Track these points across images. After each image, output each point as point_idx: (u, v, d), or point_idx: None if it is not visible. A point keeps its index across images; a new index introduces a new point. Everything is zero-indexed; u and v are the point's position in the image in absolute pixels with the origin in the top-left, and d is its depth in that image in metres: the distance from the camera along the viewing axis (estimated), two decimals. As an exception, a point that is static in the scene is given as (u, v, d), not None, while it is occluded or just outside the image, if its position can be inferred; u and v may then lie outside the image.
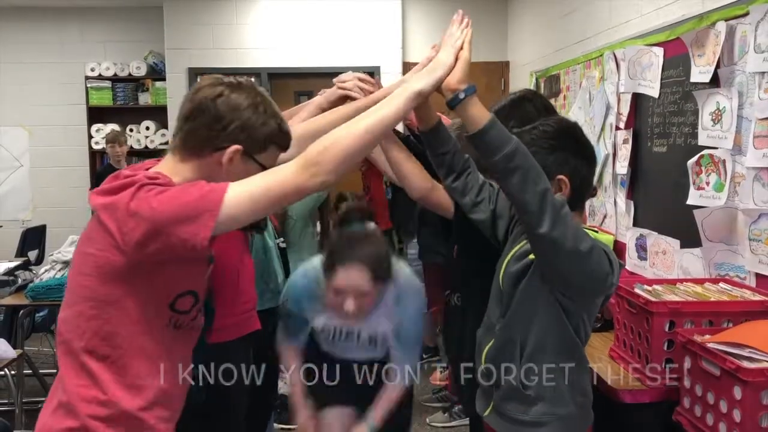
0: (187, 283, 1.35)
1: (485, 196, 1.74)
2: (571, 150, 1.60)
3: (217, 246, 1.56)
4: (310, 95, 6.71)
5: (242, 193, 1.26)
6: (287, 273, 2.90)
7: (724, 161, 2.39)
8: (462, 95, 1.46)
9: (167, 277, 1.31)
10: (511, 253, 1.66)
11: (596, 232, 1.64)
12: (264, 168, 1.38)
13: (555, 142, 1.59)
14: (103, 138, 6.50)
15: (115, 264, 1.26)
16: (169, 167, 1.37)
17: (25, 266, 4.55)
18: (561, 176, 1.56)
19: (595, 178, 3.51)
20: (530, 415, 1.60)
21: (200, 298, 1.40)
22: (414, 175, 2.00)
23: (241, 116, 1.35)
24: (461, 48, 1.49)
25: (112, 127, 6.44)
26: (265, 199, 1.27)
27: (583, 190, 1.62)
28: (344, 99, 1.90)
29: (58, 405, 1.32)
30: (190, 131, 1.36)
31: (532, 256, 1.56)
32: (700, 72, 2.55)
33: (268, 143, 1.40)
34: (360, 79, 1.90)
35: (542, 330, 1.57)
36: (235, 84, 1.38)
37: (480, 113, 1.45)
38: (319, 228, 3.69)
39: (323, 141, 1.31)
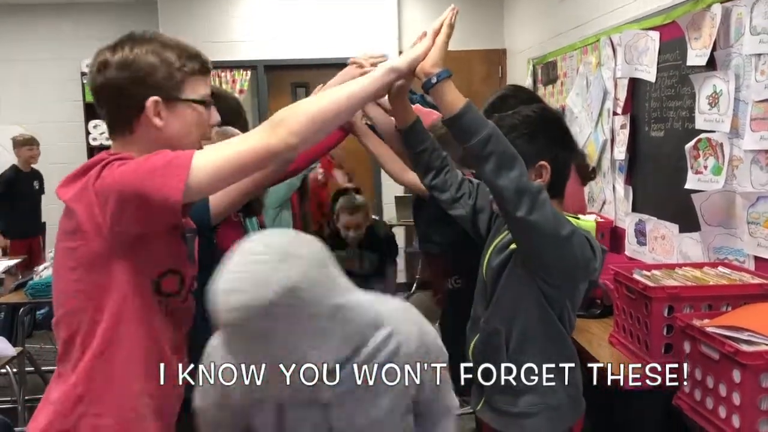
0: (168, 260, 1.32)
1: (465, 192, 1.73)
2: (553, 137, 1.59)
3: (221, 240, 1.55)
4: (306, 87, 6.74)
5: (210, 156, 1.23)
6: None
7: (721, 144, 2.38)
8: (434, 79, 1.44)
9: (146, 255, 1.28)
10: (493, 245, 1.66)
11: (577, 218, 1.63)
12: (197, 102, 1.35)
13: (536, 128, 1.58)
14: (101, 134, 6.50)
15: (97, 250, 1.24)
16: (119, 150, 1.33)
17: (27, 265, 4.57)
18: (542, 162, 1.55)
19: (594, 162, 3.53)
20: (519, 406, 1.60)
21: (186, 279, 1.37)
22: (388, 160, 2.09)
23: (136, 69, 1.29)
24: (439, 31, 1.47)
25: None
26: (235, 161, 1.23)
27: (562, 177, 1.61)
28: None
29: (49, 403, 1.31)
30: (108, 115, 1.32)
31: (513, 246, 1.56)
32: (696, 55, 2.53)
33: (180, 77, 1.33)
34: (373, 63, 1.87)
35: (526, 320, 1.57)
36: (113, 46, 1.32)
37: (454, 98, 1.44)
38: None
39: (291, 106, 1.30)
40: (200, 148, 1.39)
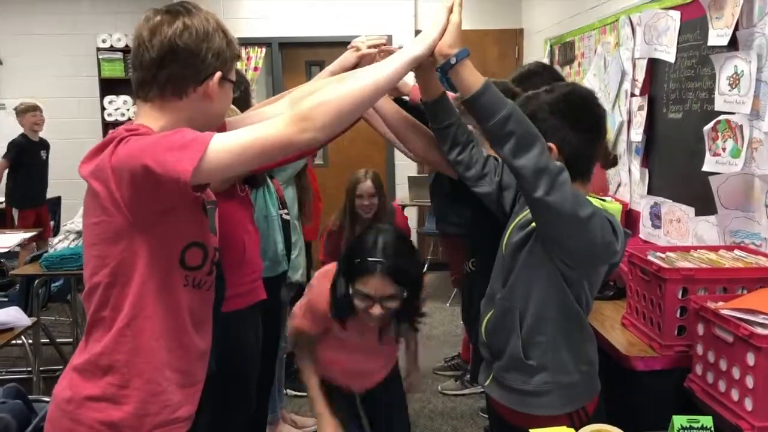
0: (191, 233, 1.33)
1: (490, 169, 1.70)
2: (568, 119, 1.55)
3: (222, 215, 1.55)
4: (321, 65, 6.76)
5: (228, 141, 1.23)
6: (288, 245, 2.90)
7: (741, 126, 2.34)
8: (453, 60, 1.43)
9: (168, 229, 1.29)
10: (515, 222, 1.64)
11: (603, 200, 1.61)
12: (234, 83, 1.41)
13: (552, 108, 1.56)
14: (116, 110, 6.52)
15: (117, 226, 1.25)
16: (148, 117, 1.34)
17: (40, 237, 4.61)
18: (549, 144, 1.51)
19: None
20: (532, 384, 1.59)
21: (209, 251, 1.38)
22: (415, 135, 1.92)
23: (212, 43, 1.32)
24: (452, 9, 1.45)
25: (125, 98, 6.46)
26: (252, 150, 1.23)
27: (577, 162, 1.56)
28: (358, 65, 1.86)
29: (74, 370, 1.33)
30: (169, 77, 1.31)
31: (534, 225, 1.54)
32: (717, 35, 2.48)
33: (233, 60, 1.39)
34: (373, 46, 1.86)
35: (542, 299, 1.56)
36: (185, 11, 1.33)
37: (473, 78, 1.43)
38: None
39: (317, 96, 1.28)
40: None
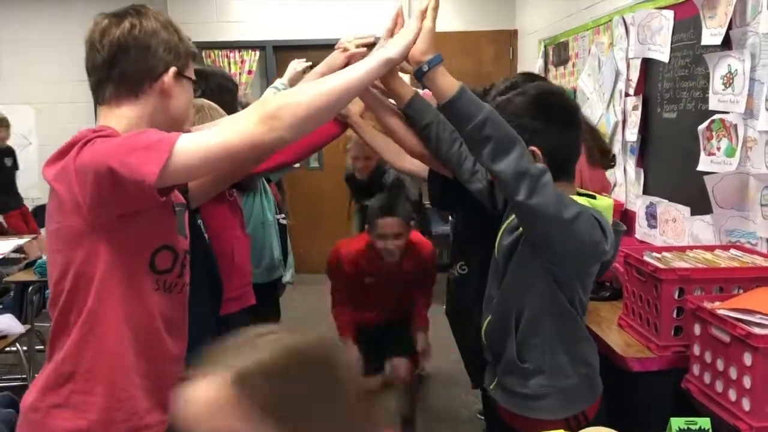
0: (159, 236, 1.32)
1: (481, 166, 1.69)
2: (544, 119, 1.53)
3: (212, 221, 1.54)
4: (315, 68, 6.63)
5: (196, 141, 1.21)
6: (285, 250, 2.89)
7: (735, 126, 2.34)
8: (426, 67, 1.42)
9: (136, 233, 1.27)
10: (505, 225, 1.63)
11: (593, 198, 1.59)
12: (193, 81, 1.39)
13: (526, 111, 1.53)
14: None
15: (78, 229, 1.23)
16: (108, 119, 1.32)
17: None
18: (532, 148, 1.49)
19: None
20: (530, 387, 1.58)
21: (179, 253, 1.36)
22: (385, 149, 1.97)
23: (161, 38, 1.31)
24: (425, 14, 1.44)
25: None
26: (220, 150, 1.21)
27: (563, 158, 1.55)
28: (347, 65, 1.85)
29: (40, 378, 1.32)
30: (121, 74, 1.30)
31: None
32: (711, 34, 2.48)
33: (188, 56, 1.38)
34: (361, 45, 1.85)
35: (536, 301, 1.55)
36: (134, 12, 1.33)
37: (447, 84, 1.42)
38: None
39: (286, 96, 1.26)
40: (189, 124, 1.42)
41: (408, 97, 1.62)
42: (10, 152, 5.92)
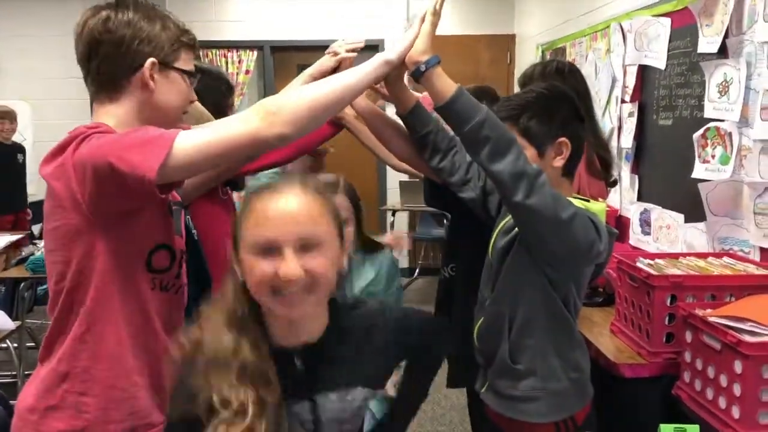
0: (156, 235, 1.31)
1: (474, 174, 1.69)
2: (570, 113, 1.57)
3: (203, 218, 1.53)
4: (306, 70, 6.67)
5: (195, 137, 1.20)
6: None
7: (730, 134, 2.34)
8: (423, 67, 1.43)
9: (133, 232, 1.26)
10: (500, 226, 1.63)
11: (587, 201, 1.60)
12: (186, 73, 1.35)
13: (553, 104, 1.56)
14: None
15: (76, 227, 1.22)
16: (100, 115, 1.31)
17: (30, 240, 4.55)
18: (562, 138, 1.53)
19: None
20: (520, 390, 1.57)
21: (176, 253, 1.35)
22: (382, 150, 1.96)
23: (139, 29, 1.28)
24: (423, 19, 1.45)
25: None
26: (219, 145, 1.20)
27: (578, 154, 1.59)
28: (337, 69, 1.85)
29: (37, 380, 1.30)
30: (98, 68, 1.29)
31: (517, 229, 1.54)
32: (707, 42, 2.49)
33: (177, 46, 1.34)
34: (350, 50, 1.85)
35: (530, 304, 1.55)
36: (116, 4, 1.30)
37: (445, 85, 1.42)
38: None
39: (288, 94, 1.27)
40: (182, 120, 1.38)
41: (410, 104, 1.62)
42: (22, 149, 5.83)
